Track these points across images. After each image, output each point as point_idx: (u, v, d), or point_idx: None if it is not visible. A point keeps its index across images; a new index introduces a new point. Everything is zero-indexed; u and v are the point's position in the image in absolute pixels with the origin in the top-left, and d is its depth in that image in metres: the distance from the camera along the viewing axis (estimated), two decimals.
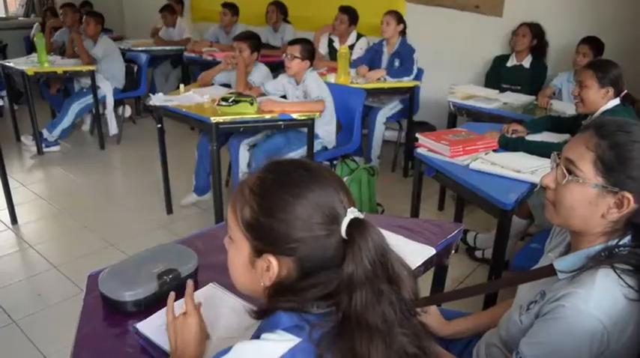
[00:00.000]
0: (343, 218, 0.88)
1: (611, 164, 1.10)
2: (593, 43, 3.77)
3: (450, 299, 1.58)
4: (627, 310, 1.08)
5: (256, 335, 0.88)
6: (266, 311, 0.91)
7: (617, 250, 1.13)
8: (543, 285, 1.23)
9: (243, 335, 1.16)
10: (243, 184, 0.93)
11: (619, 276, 1.08)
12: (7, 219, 3.67)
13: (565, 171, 1.16)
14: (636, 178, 1.09)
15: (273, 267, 0.90)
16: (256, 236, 0.91)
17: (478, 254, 3.24)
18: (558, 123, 2.93)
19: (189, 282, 1.24)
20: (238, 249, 0.95)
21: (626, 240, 1.14)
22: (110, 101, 5.31)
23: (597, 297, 1.06)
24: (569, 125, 2.85)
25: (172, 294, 1.22)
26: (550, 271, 1.20)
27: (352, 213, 0.88)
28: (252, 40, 3.86)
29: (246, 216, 0.91)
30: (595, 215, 1.14)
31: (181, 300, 1.22)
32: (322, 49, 5.10)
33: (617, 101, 2.51)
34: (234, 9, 5.90)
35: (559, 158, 1.20)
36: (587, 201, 1.13)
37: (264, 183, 0.91)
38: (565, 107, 3.58)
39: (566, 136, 2.74)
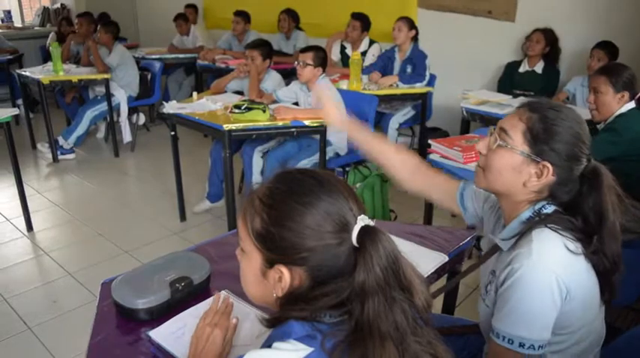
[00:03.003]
0: (354, 226, 0.88)
1: (537, 135, 1.20)
2: (607, 48, 3.74)
3: None
4: (572, 259, 1.17)
5: (268, 344, 0.87)
6: (278, 320, 0.90)
7: (545, 215, 1.22)
8: (493, 266, 1.33)
9: (254, 344, 1.16)
10: (253, 195, 0.94)
11: (556, 231, 1.18)
12: (22, 226, 3.70)
13: (497, 137, 1.25)
14: (558, 151, 1.19)
15: (285, 277, 0.90)
16: (267, 246, 0.91)
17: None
18: None
19: (228, 300, 1.26)
20: (250, 260, 0.95)
21: (551, 207, 1.23)
22: (124, 109, 5.35)
23: (539, 249, 1.16)
24: None
25: (217, 304, 1.25)
26: (495, 248, 1.32)
27: (362, 220, 0.88)
28: (263, 47, 3.88)
29: (257, 227, 0.91)
30: (517, 181, 1.23)
31: (202, 305, 1.22)
32: (334, 55, 5.11)
33: (632, 104, 2.48)
34: (246, 17, 5.92)
35: (494, 129, 1.30)
36: (512, 167, 1.23)
37: (274, 193, 0.91)
38: (579, 112, 3.54)
39: None
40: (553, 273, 1.13)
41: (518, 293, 1.15)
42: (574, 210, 1.22)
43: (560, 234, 1.17)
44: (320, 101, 1.73)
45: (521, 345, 1.16)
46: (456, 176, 2.47)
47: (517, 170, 1.23)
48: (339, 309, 0.86)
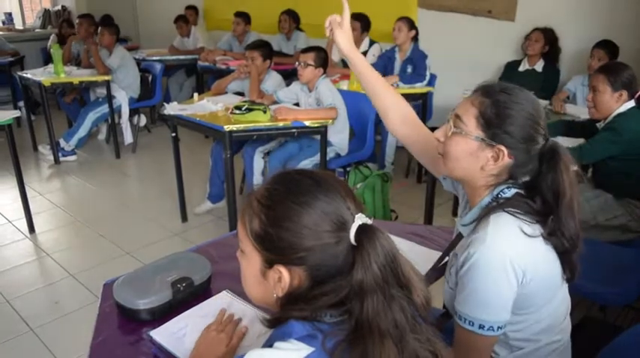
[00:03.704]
0: (351, 224, 0.88)
1: (491, 119, 1.21)
2: (608, 47, 3.75)
3: None
4: (528, 242, 1.18)
5: (269, 344, 0.88)
6: (279, 320, 0.91)
7: (503, 199, 1.24)
8: (455, 250, 1.36)
9: (255, 344, 1.17)
10: (251, 197, 0.94)
11: (512, 215, 1.19)
12: (24, 228, 3.71)
13: (452, 125, 1.27)
14: (512, 134, 1.20)
15: (284, 277, 0.90)
16: (266, 247, 0.91)
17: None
18: (572, 128, 2.91)
19: (233, 317, 1.27)
20: (249, 261, 0.95)
21: (510, 191, 1.25)
22: (125, 110, 5.36)
23: (493, 234, 1.18)
24: (583, 129, 2.82)
25: (222, 316, 1.27)
26: (460, 235, 1.35)
27: (360, 219, 0.89)
28: (263, 48, 3.89)
29: (255, 228, 0.92)
30: (475, 166, 1.25)
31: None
32: (335, 56, 5.11)
33: (631, 103, 2.48)
34: (246, 18, 5.94)
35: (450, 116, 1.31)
36: (469, 153, 1.25)
37: (272, 194, 0.92)
38: (579, 111, 3.55)
39: (580, 141, 2.71)
40: (506, 257, 1.16)
41: (475, 277, 1.18)
42: (534, 190, 1.23)
43: (517, 217, 1.19)
44: (333, 25, 1.71)
45: (481, 327, 1.20)
46: None
47: (474, 155, 1.24)
48: (339, 308, 0.86)
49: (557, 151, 1.22)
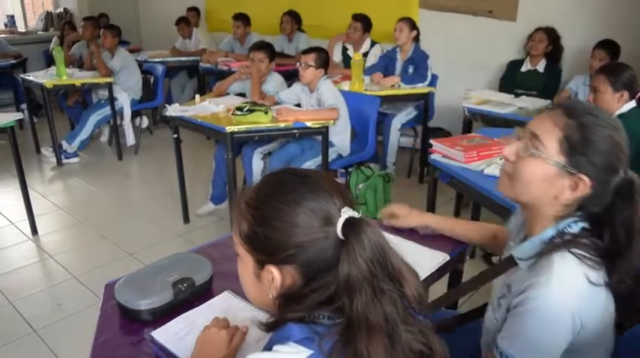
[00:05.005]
0: (338, 219, 0.88)
1: (575, 145, 1.09)
2: (609, 47, 3.74)
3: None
4: (592, 291, 1.09)
5: (268, 347, 0.88)
6: (276, 323, 0.91)
7: (568, 235, 1.13)
8: (507, 278, 1.25)
9: (255, 347, 1.17)
10: (240, 199, 0.95)
11: (578, 258, 1.09)
12: (27, 229, 3.72)
13: (529, 144, 1.15)
14: (596, 163, 1.09)
15: (275, 277, 0.91)
16: (255, 247, 0.92)
17: (495, 259, 3.21)
18: None
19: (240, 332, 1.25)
20: (244, 264, 0.97)
21: (577, 226, 1.15)
22: (127, 112, 5.38)
23: (558, 282, 1.07)
24: None
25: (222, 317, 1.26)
26: (512, 261, 1.22)
27: (346, 213, 0.89)
28: (268, 49, 3.90)
29: (244, 229, 0.93)
30: (548, 194, 1.14)
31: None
32: (336, 57, 5.12)
33: (632, 104, 2.48)
34: (245, 20, 5.92)
35: (523, 132, 1.19)
36: (544, 178, 1.13)
37: (258, 195, 0.93)
38: None
39: None
40: (569, 310, 1.07)
41: (531, 322, 1.09)
42: (603, 225, 1.13)
43: (583, 261, 1.08)
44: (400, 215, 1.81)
45: None
46: (457, 176, 2.47)
47: (549, 181, 1.12)
48: (331, 306, 0.87)
49: (634, 185, 1.11)
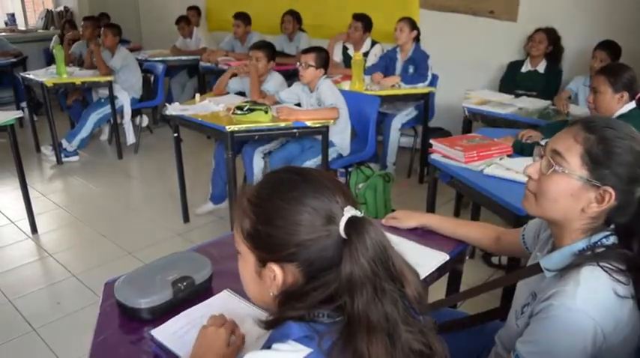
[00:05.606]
0: (340, 217, 0.88)
1: (597, 158, 1.11)
2: (609, 48, 3.72)
3: (442, 305, 1.61)
4: (618, 305, 1.08)
5: (267, 346, 0.88)
6: (276, 321, 0.91)
7: (600, 248, 1.14)
8: (534, 287, 1.25)
9: (254, 345, 1.17)
10: (242, 197, 0.95)
11: (607, 273, 1.09)
12: (27, 228, 3.72)
13: (551, 161, 1.16)
14: (619, 175, 1.11)
15: (277, 275, 0.91)
16: (257, 245, 0.92)
17: (494, 260, 3.21)
18: None
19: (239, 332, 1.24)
20: (245, 262, 0.97)
21: (609, 240, 1.16)
22: (128, 111, 5.37)
23: (584, 293, 1.07)
24: None
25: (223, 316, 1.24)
26: (538, 269, 1.23)
27: (349, 212, 0.89)
28: (267, 49, 3.89)
29: (247, 227, 0.93)
30: (575, 208, 1.16)
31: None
32: (337, 56, 5.12)
33: (632, 105, 2.48)
34: (246, 19, 5.91)
35: (544, 150, 1.21)
36: (570, 194, 1.15)
37: (260, 193, 0.93)
38: (582, 111, 3.54)
39: None
40: (593, 321, 1.06)
41: (551, 330, 1.09)
42: (631, 235, 1.14)
43: (612, 275, 1.09)
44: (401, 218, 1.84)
45: None
46: (457, 176, 2.47)
47: (575, 196, 1.14)
48: (331, 304, 0.87)
49: None
